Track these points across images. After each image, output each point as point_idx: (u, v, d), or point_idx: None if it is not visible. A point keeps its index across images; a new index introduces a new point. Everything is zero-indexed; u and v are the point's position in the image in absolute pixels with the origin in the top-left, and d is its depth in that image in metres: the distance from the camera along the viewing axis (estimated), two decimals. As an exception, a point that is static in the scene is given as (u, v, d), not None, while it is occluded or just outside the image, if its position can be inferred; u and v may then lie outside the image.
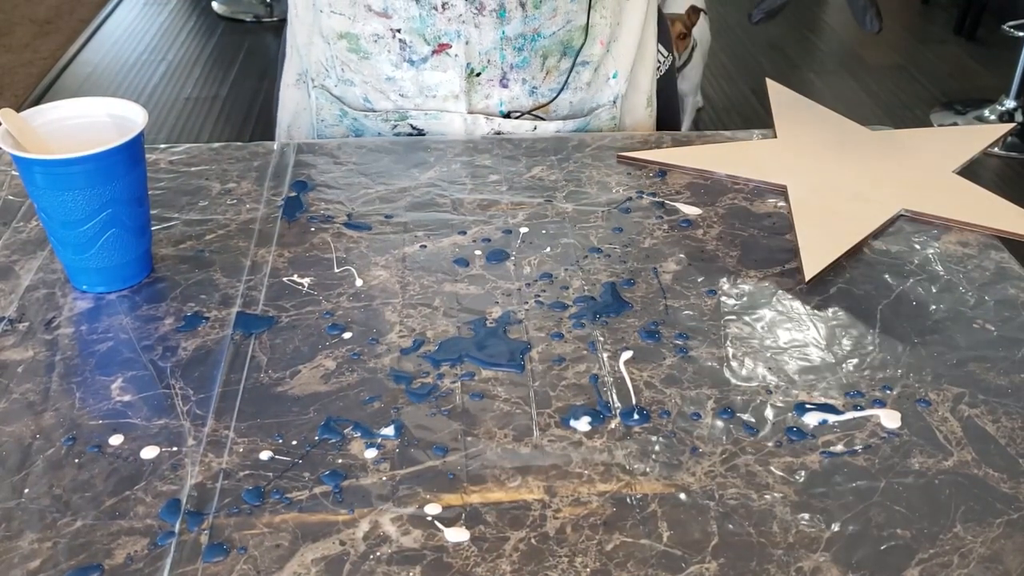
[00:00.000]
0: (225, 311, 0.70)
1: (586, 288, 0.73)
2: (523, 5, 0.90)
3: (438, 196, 0.84)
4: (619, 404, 0.62)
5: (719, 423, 0.61)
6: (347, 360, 0.66)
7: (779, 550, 0.52)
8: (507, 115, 0.96)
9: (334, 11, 0.93)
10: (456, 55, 0.92)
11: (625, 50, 0.99)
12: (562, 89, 0.97)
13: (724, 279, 0.74)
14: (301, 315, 0.70)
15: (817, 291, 0.73)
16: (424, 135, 0.96)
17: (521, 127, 0.96)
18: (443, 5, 0.89)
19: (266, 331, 0.68)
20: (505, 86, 0.95)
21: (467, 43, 0.91)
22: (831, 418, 0.61)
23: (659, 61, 1.11)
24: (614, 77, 0.99)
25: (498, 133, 0.96)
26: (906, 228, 0.81)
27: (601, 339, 0.68)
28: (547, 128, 0.97)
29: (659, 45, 1.09)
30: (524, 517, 0.54)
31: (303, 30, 0.99)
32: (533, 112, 0.97)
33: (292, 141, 1.04)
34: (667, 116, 1.10)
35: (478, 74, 0.93)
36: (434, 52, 0.92)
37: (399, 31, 0.92)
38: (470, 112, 0.95)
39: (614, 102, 1.00)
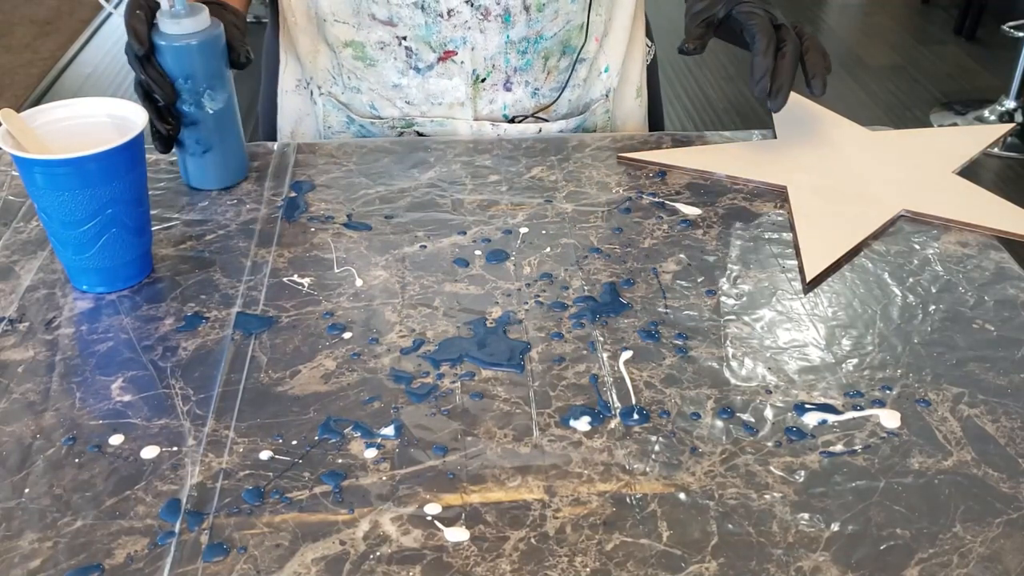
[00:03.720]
0: (225, 311, 0.70)
1: (586, 288, 0.73)
2: (527, 8, 0.90)
3: (438, 196, 0.84)
4: (619, 404, 0.62)
5: (719, 423, 0.61)
6: (347, 360, 0.66)
7: (779, 550, 0.52)
8: (511, 120, 0.96)
9: (338, 20, 0.93)
10: (462, 62, 0.92)
11: (616, 44, 0.99)
12: (563, 88, 0.97)
13: (724, 279, 0.74)
14: (301, 315, 0.70)
15: (817, 291, 0.73)
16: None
17: (527, 132, 0.96)
18: (449, 12, 0.89)
19: (266, 331, 0.68)
20: (508, 89, 0.95)
21: (473, 49, 0.91)
22: (831, 418, 0.61)
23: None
24: (605, 71, 0.99)
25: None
26: (906, 228, 0.81)
27: (601, 339, 0.68)
28: (550, 129, 0.97)
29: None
30: (524, 517, 0.54)
31: (305, 40, 0.98)
32: (536, 115, 0.97)
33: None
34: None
35: (483, 80, 0.93)
36: (440, 59, 0.92)
37: (405, 39, 0.92)
38: (476, 119, 0.95)
39: (607, 96, 1.00)
